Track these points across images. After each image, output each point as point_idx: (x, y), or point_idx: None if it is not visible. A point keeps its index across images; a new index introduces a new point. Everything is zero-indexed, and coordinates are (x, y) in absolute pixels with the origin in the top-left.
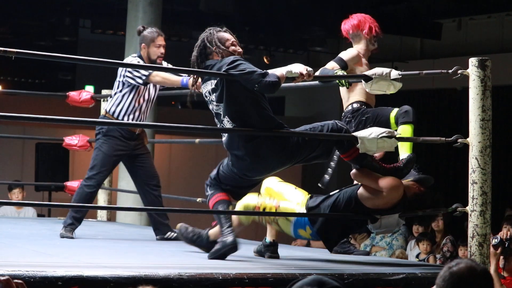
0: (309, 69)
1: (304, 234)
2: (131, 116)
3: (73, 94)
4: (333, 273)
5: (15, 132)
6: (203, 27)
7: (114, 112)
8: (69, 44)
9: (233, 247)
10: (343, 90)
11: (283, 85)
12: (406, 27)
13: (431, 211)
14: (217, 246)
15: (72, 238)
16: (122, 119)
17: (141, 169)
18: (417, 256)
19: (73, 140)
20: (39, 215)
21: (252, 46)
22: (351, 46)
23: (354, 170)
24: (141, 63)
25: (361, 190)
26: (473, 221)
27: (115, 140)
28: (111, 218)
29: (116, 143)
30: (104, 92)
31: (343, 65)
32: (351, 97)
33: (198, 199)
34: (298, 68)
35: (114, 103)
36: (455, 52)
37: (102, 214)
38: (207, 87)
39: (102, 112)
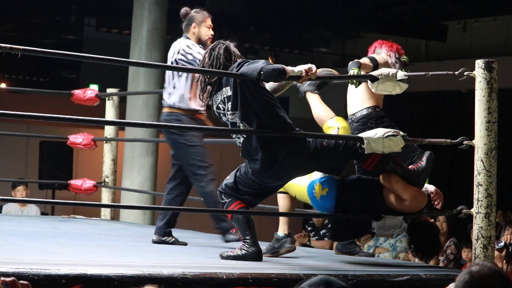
0: (310, 65)
1: (317, 189)
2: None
3: (78, 92)
4: (337, 273)
5: (19, 130)
6: None
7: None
8: (74, 43)
9: (258, 258)
10: (357, 91)
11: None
12: (411, 29)
13: (437, 212)
14: (238, 252)
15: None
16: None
17: None
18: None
19: (77, 138)
20: (42, 213)
21: (258, 46)
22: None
23: (381, 176)
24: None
25: (386, 189)
26: (478, 223)
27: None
28: (115, 217)
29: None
30: (109, 90)
31: (375, 64)
32: (370, 99)
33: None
34: (300, 67)
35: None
36: (460, 54)
37: (105, 213)
38: (219, 97)
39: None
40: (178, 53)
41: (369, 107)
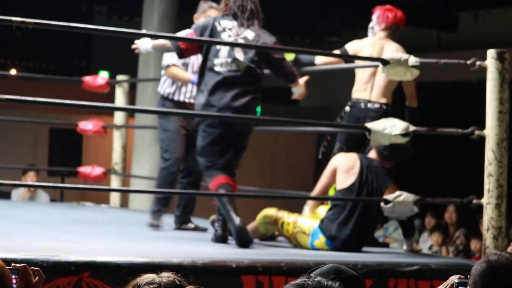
0: None
1: (320, 245)
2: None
3: (88, 79)
4: (347, 262)
5: (29, 116)
6: None
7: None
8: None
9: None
10: (375, 81)
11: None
12: (422, 19)
13: (447, 200)
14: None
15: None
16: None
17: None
18: (430, 248)
19: (87, 125)
20: (52, 200)
21: None
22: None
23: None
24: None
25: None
26: (489, 214)
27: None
28: (124, 204)
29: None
30: (119, 77)
31: None
32: (387, 94)
33: None
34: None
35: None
36: (472, 45)
37: (115, 200)
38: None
39: None
40: None
41: (386, 104)
